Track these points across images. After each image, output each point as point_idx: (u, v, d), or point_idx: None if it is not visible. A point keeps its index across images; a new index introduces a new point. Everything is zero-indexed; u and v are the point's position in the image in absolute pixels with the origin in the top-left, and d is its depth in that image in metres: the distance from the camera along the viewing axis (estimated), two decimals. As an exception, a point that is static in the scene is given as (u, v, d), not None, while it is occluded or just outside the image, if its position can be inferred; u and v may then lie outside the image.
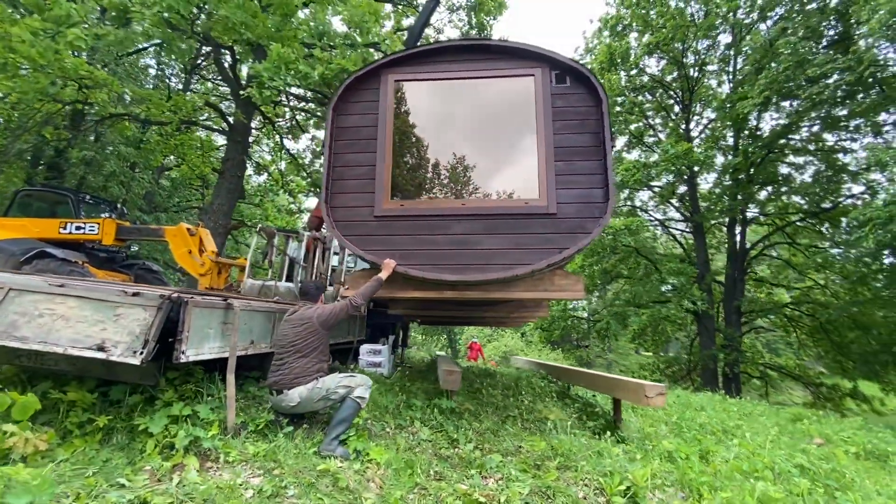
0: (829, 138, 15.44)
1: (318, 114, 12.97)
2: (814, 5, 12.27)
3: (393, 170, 4.12)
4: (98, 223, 8.04)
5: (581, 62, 4.26)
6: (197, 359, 3.00)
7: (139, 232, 8.24)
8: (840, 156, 14.15)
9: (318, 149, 15.80)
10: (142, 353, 2.65)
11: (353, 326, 7.19)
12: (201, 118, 13.52)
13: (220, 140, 19.20)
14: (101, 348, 2.68)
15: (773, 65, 11.02)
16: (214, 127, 14.66)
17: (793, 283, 17.70)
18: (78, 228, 7.96)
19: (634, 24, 16.25)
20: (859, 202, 13.82)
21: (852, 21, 10.21)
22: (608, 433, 4.35)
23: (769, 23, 14.90)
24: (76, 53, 7.98)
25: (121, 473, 2.45)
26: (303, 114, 14.22)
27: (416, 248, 3.91)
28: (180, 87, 17.27)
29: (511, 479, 3.06)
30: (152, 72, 18.09)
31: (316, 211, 9.00)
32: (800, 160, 16.35)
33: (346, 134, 4.26)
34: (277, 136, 16.11)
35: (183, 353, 2.83)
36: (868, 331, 12.29)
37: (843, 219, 13.66)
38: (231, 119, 10.47)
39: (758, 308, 16.34)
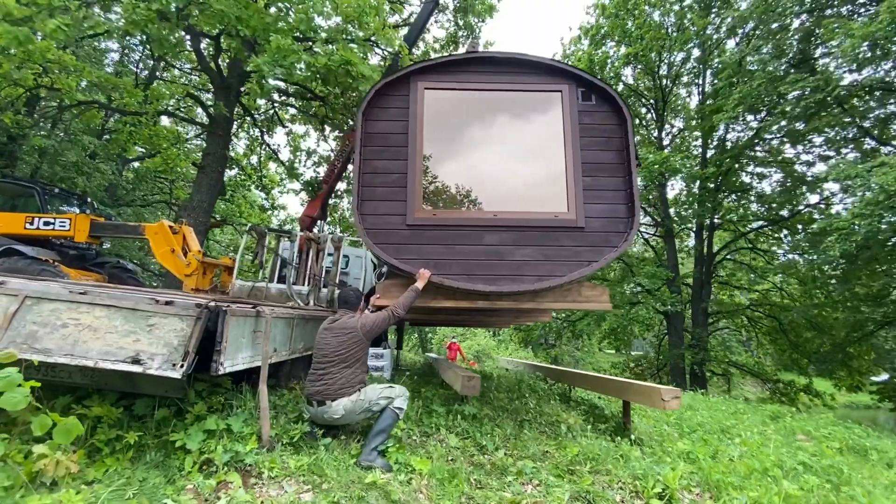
0: (788, 150, 16.58)
1: (297, 106, 12.62)
2: (776, 25, 13.09)
3: (423, 179, 4.07)
4: (70, 219, 7.48)
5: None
6: (232, 370, 2.86)
7: (115, 229, 7.73)
8: (800, 168, 15.13)
9: (298, 145, 15.33)
10: (182, 365, 2.51)
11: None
12: (178, 109, 12.86)
13: (191, 132, 18.39)
14: (136, 361, 2.51)
15: (745, 80, 11.67)
16: (193, 119, 13.96)
17: (753, 287, 18.79)
18: (47, 224, 7.38)
19: (614, 34, 16.75)
20: (815, 213, 14.90)
21: (816, 42, 10.99)
22: (620, 436, 4.49)
23: (736, 39, 15.80)
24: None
25: (164, 494, 2.31)
26: (284, 108, 13.78)
27: (450, 257, 3.89)
28: (145, 73, 16.35)
29: (549, 485, 3.10)
30: (114, 56, 17.04)
31: (308, 209, 8.76)
32: (761, 171, 17.43)
33: (376, 140, 4.18)
34: (256, 130, 15.57)
35: (221, 364, 2.69)
36: (823, 332, 13.27)
37: (800, 226, 14.66)
38: (212, 111, 10.00)
39: (723, 309, 17.26)
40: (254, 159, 17.97)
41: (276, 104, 13.83)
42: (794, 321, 14.05)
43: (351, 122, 10.82)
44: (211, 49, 10.02)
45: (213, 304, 2.73)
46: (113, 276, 8.46)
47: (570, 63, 19.97)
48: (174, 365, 2.52)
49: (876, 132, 11.57)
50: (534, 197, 4.10)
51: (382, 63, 8.67)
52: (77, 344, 2.53)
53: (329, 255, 7.72)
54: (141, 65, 16.78)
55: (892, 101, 10.56)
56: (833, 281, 13.44)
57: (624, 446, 3.97)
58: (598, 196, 4.06)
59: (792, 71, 10.97)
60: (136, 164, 18.60)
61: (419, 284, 3.69)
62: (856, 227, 7.43)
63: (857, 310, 10.29)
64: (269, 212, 22.87)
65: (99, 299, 2.64)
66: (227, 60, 10.51)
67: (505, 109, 4.29)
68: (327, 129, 11.47)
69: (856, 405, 19.83)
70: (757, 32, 13.97)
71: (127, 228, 7.74)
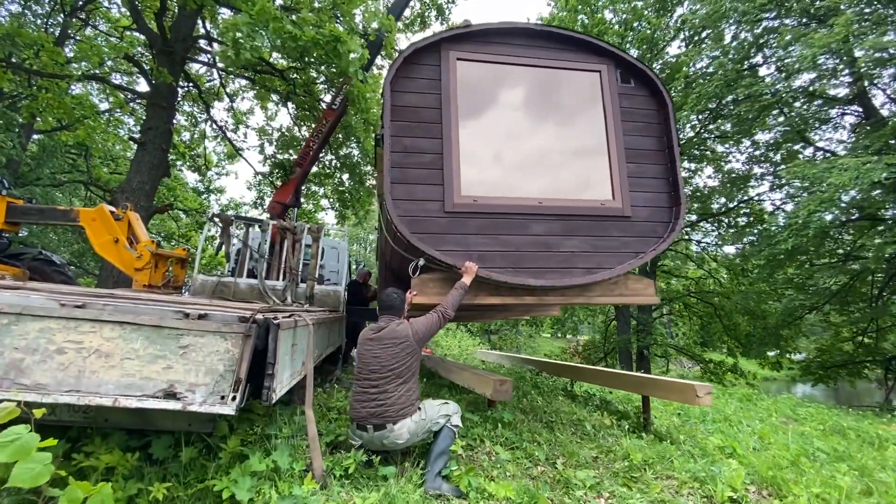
0: (719, 149, 17.97)
1: (253, 78, 11.33)
2: (729, 36, 14.00)
3: (462, 160, 3.64)
4: (-24, 201, 6.05)
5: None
6: (281, 395, 2.32)
7: (40, 214, 6.38)
8: (737, 166, 16.43)
9: (241, 120, 13.85)
10: (234, 397, 1.95)
11: (340, 328, 6.46)
12: (108, 74, 11.00)
13: (104, 104, 15.99)
14: (170, 395, 1.92)
15: (702, 81, 12.34)
16: (131, 88, 12.06)
17: (687, 275, 20.31)
18: (-56, 207, 5.91)
19: (574, 28, 16.98)
20: (745, 208, 16.33)
21: (765, 50, 11.88)
22: (643, 432, 4.45)
23: (681, 41, 16.72)
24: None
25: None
26: (230, 80, 12.35)
27: (494, 249, 3.52)
28: (53, 33, 13.86)
29: (621, 496, 2.92)
30: (13, 7, 14.27)
31: (279, 195, 7.88)
32: (696, 167, 18.75)
33: (405, 114, 3.65)
34: (191, 104, 13.85)
35: (273, 391, 2.15)
36: (756, 317, 14.64)
37: (742, 219, 15.99)
38: (153, 79, 8.61)
39: (665, 297, 18.45)
40: (185, 136, 16.10)
41: (221, 75, 12.36)
42: (725, 307, 15.45)
43: (322, 100, 9.92)
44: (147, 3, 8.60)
45: (259, 316, 2.17)
46: (34, 270, 7.05)
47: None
48: (223, 397, 1.96)
49: (809, 134, 12.77)
50: (576, 183, 3.84)
51: (363, 41, 7.92)
52: (83, 376, 1.88)
53: (307, 246, 7.01)
54: (46, 19, 14.22)
55: (829, 107, 11.73)
56: (756, 271, 14.85)
57: (661, 445, 3.90)
58: (642, 184, 3.89)
59: (746, 73, 11.73)
60: (38, 137, 15.88)
61: (466, 280, 3.30)
62: (809, 224, 8.11)
63: (794, 298, 11.41)
64: (204, 196, 20.82)
65: (107, 314, 1.98)
66: (172, 19, 9.13)
67: (540, 87, 3.96)
68: (290, 106, 10.40)
69: (772, 380, 22.36)
70: (704, 34, 14.87)
71: (55, 214, 6.42)
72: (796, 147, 13.94)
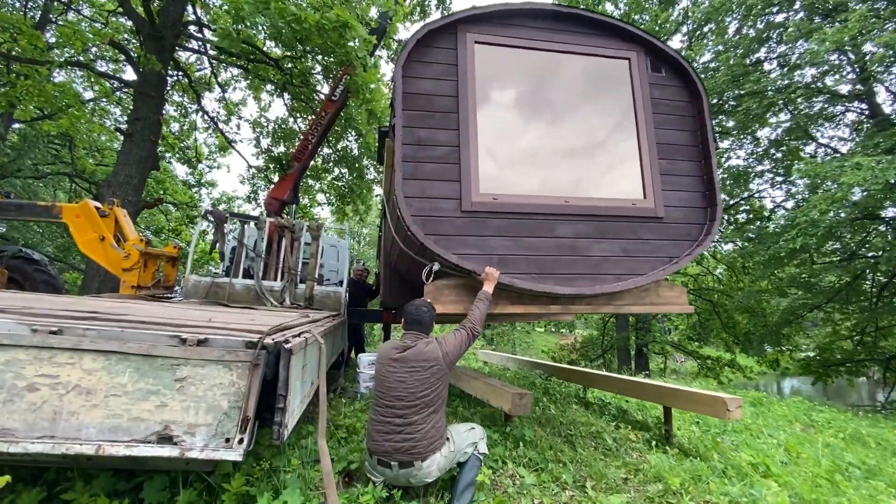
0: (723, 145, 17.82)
1: (246, 67, 10.85)
2: (732, 30, 13.74)
3: (481, 153, 3.34)
4: (-51, 195, 5.64)
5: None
6: (291, 429, 2.02)
7: (19, 210, 5.96)
8: (736, 163, 16.28)
9: (233, 112, 13.35)
10: (241, 440, 1.65)
11: (343, 333, 6.14)
12: (93, 61, 10.44)
13: (89, 94, 15.33)
14: (166, 439, 1.61)
15: (703, 76, 12.09)
16: (117, 76, 11.51)
17: (686, 272, 20.22)
18: (-87, 202, 5.48)
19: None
20: (745, 206, 16.21)
21: (769, 45, 11.66)
22: (666, 445, 4.22)
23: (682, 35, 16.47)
24: None
25: None
26: (223, 69, 11.86)
27: (517, 252, 3.23)
28: (33, 16, 13.19)
29: (661, 526, 2.67)
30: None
31: (276, 191, 7.50)
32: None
33: (418, 102, 3.34)
34: (180, 94, 13.31)
35: (285, 427, 1.85)
36: (754, 315, 14.58)
37: (741, 216, 15.86)
38: (141, 66, 8.14)
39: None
40: (174, 127, 15.55)
41: (212, 64, 11.87)
42: (725, 305, 15.39)
43: (319, 91, 9.50)
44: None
45: (269, 340, 1.86)
46: (14, 269, 6.65)
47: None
48: (227, 440, 1.66)
49: (813, 131, 12.61)
50: (605, 181, 3.56)
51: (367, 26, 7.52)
52: (60, 418, 1.56)
53: (306, 244, 6.68)
54: (30, 2, 13.54)
55: (834, 104, 11.58)
56: (756, 269, 14.75)
57: (690, 462, 3.67)
58: (676, 182, 3.63)
59: (750, 68, 11.51)
60: (18, 126, 15.21)
61: (488, 288, 3.01)
62: (818, 223, 7.95)
63: (798, 297, 11.31)
64: (195, 189, 20.23)
65: (89, 342, 1.66)
66: (160, 4, 8.64)
67: (565, 74, 3.66)
68: (286, 97, 9.96)
69: (760, 374, 22.44)
70: (706, 29, 14.61)
71: (36, 209, 6.00)
72: (798, 144, 13.78)
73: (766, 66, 13.39)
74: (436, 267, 3.22)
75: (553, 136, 3.56)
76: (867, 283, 12.65)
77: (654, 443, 4.24)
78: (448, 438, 2.47)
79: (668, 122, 3.76)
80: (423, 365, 2.42)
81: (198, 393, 1.69)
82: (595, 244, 3.36)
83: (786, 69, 12.16)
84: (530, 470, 3.27)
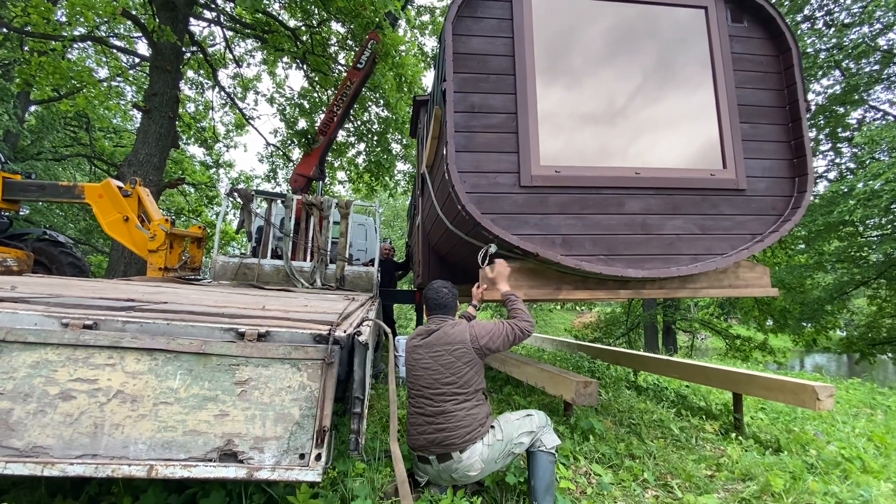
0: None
1: (266, 38, 10.36)
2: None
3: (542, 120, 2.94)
4: (-30, 176, 5.45)
5: None
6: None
7: (41, 190, 5.78)
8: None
9: (248, 87, 12.95)
10: (318, 455, 1.37)
11: (379, 314, 5.88)
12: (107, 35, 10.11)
13: (103, 72, 15.06)
14: (229, 455, 1.33)
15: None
16: (131, 50, 11.19)
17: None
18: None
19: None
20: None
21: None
22: (738, 435, 3.90)
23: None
24: None
25: None
26: (244, 45, 11.42)
27: (582, 232, 2.88)
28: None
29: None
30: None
31: (301, 167, 7.18)
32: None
33: (469, 64, 2.94)
34: (209, 67, 12.91)
35: (363, 435, 1.57)
36: (793, 290, 13.95)
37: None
38: (156, 38, 7.78)
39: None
40: (190, 108, 15.24)
41: (227, 37, 11.44)
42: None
43: (337, 61, 9.05)
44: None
45: (340, 333, 1.55)
46: (39, 251, 6.51)
47: None
48: (302, 456, 1.37)
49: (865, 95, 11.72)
50: (679, 149, 3.14)
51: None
52: (102, 433, 1.29)
53: (335, 223, 6.39)
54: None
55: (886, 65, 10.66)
56: (802, 245, 14.04)
57: (773, 455, 3.34)
58: (759, 149, 3.19)
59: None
60: (35, 108, 15.09)
61: (505, 287, 2.72)
62: (881, 194, 7.35)
63: (846, 271, 10.73)
64: (213, 169, 20.05)
65: (130, 339, 1.38)
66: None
67: (632, 28, 3.20)
68: (306, 67, 9.50)
69: (785, 351, 21.83)
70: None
71: (58, 190, 5.81)
72: (847, 109, 12.86)
73: (804, 27, 12.41)
74: (493, 249, 2.89)
75: (620, 98, 3.13)
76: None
77: (727, 433, 3.92)
78: (492, 426, 2.18)
79: (751, 79, 3.29)
80: (447, 348, 2.18)
81: (263, 399, 1.40)
82: (668, 221, 2.97)
83: (831, 28, 11.24)
84: (605, 466, 2.99)
